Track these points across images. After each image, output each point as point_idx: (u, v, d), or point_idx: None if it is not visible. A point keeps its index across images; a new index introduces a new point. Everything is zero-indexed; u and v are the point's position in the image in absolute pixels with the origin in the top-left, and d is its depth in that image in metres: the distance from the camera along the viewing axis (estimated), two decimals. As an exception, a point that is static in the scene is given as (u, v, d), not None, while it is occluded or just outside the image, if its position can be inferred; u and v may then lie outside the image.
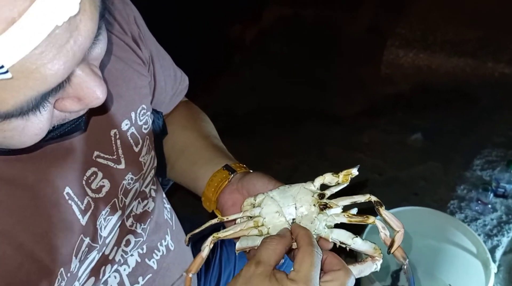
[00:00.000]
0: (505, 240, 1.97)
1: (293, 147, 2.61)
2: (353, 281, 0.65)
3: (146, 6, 0.90)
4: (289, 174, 2.39)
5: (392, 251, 0.72)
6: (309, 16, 3.73)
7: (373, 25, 3.56)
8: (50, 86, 0.45)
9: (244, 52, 3.62)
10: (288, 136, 2.69)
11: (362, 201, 0.74)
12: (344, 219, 0.73)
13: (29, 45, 0.40)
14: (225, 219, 0.77)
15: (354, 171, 0.74)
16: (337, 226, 0.73)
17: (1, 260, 0.60)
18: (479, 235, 1.89)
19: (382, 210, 0.72)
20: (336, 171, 0.76)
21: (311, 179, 0.76)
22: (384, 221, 0.73)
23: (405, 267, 0.74)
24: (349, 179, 0.75)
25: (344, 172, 0.75)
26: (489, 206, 2.09)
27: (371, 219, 0.72)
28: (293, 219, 0.72)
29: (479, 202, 2.10)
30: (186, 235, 1.04)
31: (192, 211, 1.10)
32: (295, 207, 0.73)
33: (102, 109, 0.74)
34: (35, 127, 0.49)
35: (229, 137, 1.07)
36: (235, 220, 0.77)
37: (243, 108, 2.95)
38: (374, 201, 0.73)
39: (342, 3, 3.66)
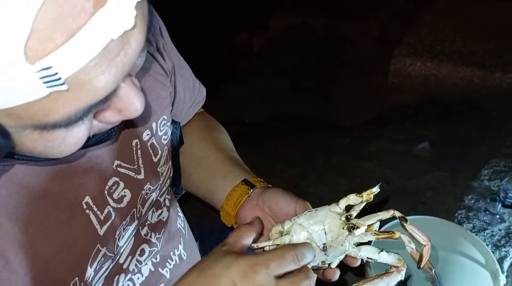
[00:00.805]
0: (513, 251, 1.95)
1: (301, 155, 2.61)
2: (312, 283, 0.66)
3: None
4: (296, 182, 2.38)
5: (422, 266, 0.74)
6: (317, 25, 3.74)
7: (382, 35, 3.56)
8: (99, 97, 0.45)
9: (252, 60, 3.63)
10: (295, 145, 2.69)
11: (387, 217, 0.76)
12: (372, 237, 0.74)
13: (85, 58, 0.41)
14: (254, 246, 0.77)
15: (376, 189, 0.76)
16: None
17: (16, 270, 0.60)
18: (487, 245, 1.87)
19: (407, 225, 0.74)
20: (359, 192, 0.77)
21: (335, 201, 0.77)
22: (410, 236, 0.75)
23: (431, 276, 0.77)
24: (372, 196, 0.76)
25: (367, 191, 0.77)
26: (497, 216, 2.07)
27: (397, 234, 0.74)
28: (324, 244, 0.73)
29: (487, 212, 2.08)
30: (197, 241, 1.05)
31: (202, 219, 1.10)
32: (325, 232, 0.74)
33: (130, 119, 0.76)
34: (75, 137, 0.50)
35: (237, 145, 1.07)
36: (263, 247, 0.78)
37: (250, 117, 2.95)
38: (399, 216, 0.75)
39: (351, 13, 3.67)
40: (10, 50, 0.37)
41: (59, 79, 0.40)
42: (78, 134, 0.50)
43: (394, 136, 2.69)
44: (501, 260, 1.91)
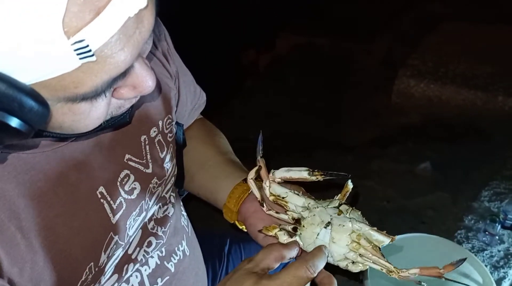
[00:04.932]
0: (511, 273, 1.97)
1: (303, 173, 2.62)
2: None
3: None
4: (299, 199, 2.40)
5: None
6: (323, 46, 3.79)
7: (386, 57, 3.60)
8: (120, 71, 0.52)
9: (257, 79, 3.68)
10: (298, 163, 2.69)
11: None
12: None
13: (109, 33, 0.47)
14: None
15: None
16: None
17: (38, 251, 0.66)
18: (486, 266, 1.89)
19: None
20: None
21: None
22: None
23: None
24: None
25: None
26: (497, 237, 2.09)
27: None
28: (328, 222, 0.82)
29: (487, 233, 2.10)
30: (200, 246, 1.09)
31: (203, 223, 1.13)
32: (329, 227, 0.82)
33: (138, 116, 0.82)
34: (98, 111, 0.56)
35: (241, 161, 1.12)
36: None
37: (255, 134, 2.98)
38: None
39: (357, 35, 3.72)
40: (51, 28, 0.44)
41: (90, 51, 0.46)
42: (100, 109, 0.56)
43: (396, 156, 2.72)
44: (499, 281, 1.92)
